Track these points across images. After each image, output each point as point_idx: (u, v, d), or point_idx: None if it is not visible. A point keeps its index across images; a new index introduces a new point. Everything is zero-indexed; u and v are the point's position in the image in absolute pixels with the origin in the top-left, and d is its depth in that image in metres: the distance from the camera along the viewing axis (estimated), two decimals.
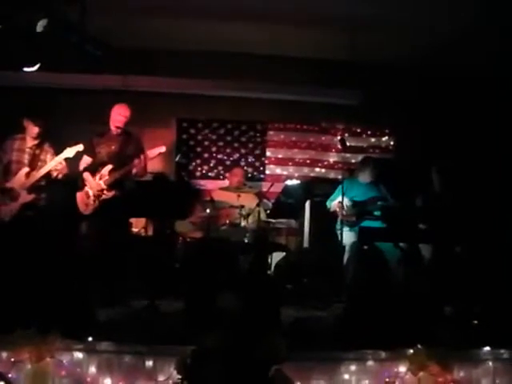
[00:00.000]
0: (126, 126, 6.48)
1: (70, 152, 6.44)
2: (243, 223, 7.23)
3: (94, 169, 6.42)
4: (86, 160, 6.49)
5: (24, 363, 4.36)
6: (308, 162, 8.97)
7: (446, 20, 6.89)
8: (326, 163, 8.99)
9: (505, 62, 7.64)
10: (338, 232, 6.92)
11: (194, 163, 8.78)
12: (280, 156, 8.92)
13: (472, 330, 5.15)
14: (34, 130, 6.47)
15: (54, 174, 6.47)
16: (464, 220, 6.39)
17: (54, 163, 6.42)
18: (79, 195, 6.38)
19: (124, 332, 4.83)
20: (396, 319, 4.91)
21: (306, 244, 8.00)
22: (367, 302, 5.26)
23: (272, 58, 8.39)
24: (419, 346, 4.57)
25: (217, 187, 8.12)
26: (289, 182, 7.96)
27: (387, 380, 4.56)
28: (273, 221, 7.46)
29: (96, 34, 6.43)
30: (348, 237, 6.89)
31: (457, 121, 8.36)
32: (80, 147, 6.44)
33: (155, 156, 6.51)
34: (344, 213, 6.90)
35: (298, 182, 8.16)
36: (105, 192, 6.27)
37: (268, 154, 8.94)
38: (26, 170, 6.40)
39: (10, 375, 4.33)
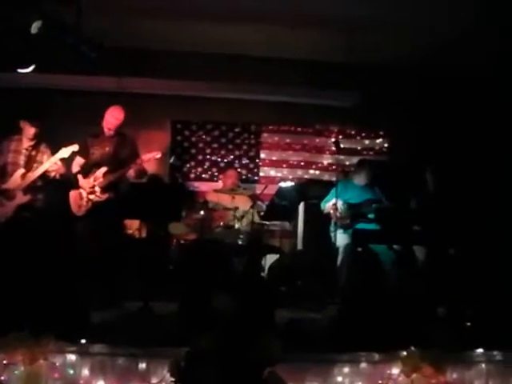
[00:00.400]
0: (121, 127, 6.48)
1: (65, 152, 6.42)
2: (237, 225, 7.22)
3: (87, 170, 6.42)
4: (79, 161, 6.49)
5: (17, 365, 4.34)
6: (302, 164, 8.96)
7: (441, 21, 6.89)
8: (320, 165, 8.98)
9: (502, 62, 7.65)
10: (332, 234, 6.92)
11: (188, 165, 8.77)
12: (274, 158, 8.92)
13: (465, 332, 5.16)
14: (30, 131, 6.46)
15: (51, 174, 6.46)
16: (458, 222, 6.41)
17: (49, 164, 6.41)
18: (72, 196, 6.37)
19: (117, 334, 4.82)
20: (389, 321, 4.91)
21: (299, 246, 8.01)
22: (361, 304, 5.27)
23: (267, 60, 8.39)
24: (412, 348, 4.58)
25: (211, 189, 8.13)
26: (283, 184, 7.97)
27: (380, 382, 4.56)
28: (267, 223, 7.47)
29: (91, 35, 6.43)
30: (342, 239, 6.89)
31: (451, 122, 8.37)
32: (75, 147, 6.43)
33: (150, 160, 6.51)
34: (338, 215, 6.90)
35: (292, 184, 8.17)
36: (98, 194, 6.27)
37: (262, 155, 8.93)
38: (21, 171, 6.39)
39: (2, 378, 4.31)
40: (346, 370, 4.59)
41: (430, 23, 6.97)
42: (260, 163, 8.93)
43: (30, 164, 6.46)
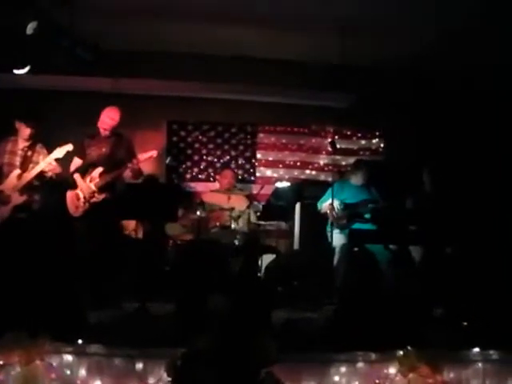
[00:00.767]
0: (117, 128, 6.49)
1: (59, 152, 6.41)
2: (233, 225, 7.22)
3: (84, 170, 6.42)
4: (77, 162, 6.50)
5: (13, 366, 4.34)
6: (298, 164, 8.97)
7: (436, 23, 6.90)
8: (316, 165, 8.99)
9: (496, 63, 7.66)
10: (329, 234, 6.92)
11: (184, 165, 8.76)
12: (270, 158, 8.92)
13: (462, 332, 5.17)
14: (25, 131, 6.46)
15: (48, 174, 6.46)
16: (454, 222, 6.42)
17: (44, 164, 6.41)
18: (69, 197, 6.37)
19: (114, 334, 4.81)
20: (386, 321, 4.92)
21: (296, 246, 8.00)
22: (357, 303, 5.27)
23: (263, 61, 8.39)
24: (409, 348, 4.58)
25: (207, 189, 8.15)
26: (279, 185, 7.97)
27: (377, 382, 4.56)
28: (263, 223, 7.47)
29: (86, 36, 6.43)
30: (338, 239, 6.90)
31: (447, 123, 8.39)
32: (70, 147, 6.42)
33: (146, 160, 6.50)
34: (335, 215, 6.91)
35: (289, 184, 8.15)
36: (95, 195, 6.27)
37: (258, 156, 8.93)
38: (17, 172, 6.40)
39: None
40: (343, 369, 4.58)
41: (425, 24, 6.98)
42: (256, 163, 8.93)
43: (25, 164, 6.46)
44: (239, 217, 7.27)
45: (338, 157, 8.74)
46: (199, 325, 4.60)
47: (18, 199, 6.36)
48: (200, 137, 8.82)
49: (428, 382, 4.50)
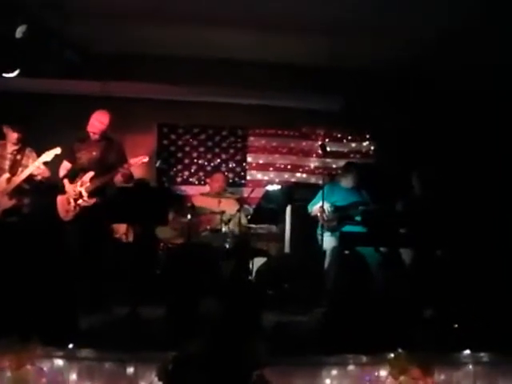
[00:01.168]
0: (107, 131, 6.47)
1: (48, 156, 6.39)
2: (224, 229, 7.21)
3: (74, 174, 6.40)
4: (66, 165, 6.48)
5: (4, 371, 4.33)
6: (289, 167, 8.97)
7: (427, 25, 6.91)
8: (306, 168, 8.99)
9: (489, 65, 7.68)
10: (319, 237, 6.92)
11: (174, 169, 8.75)
12: (261, 161, 8.93)
13: (452, 334, 5.18)
14: (13, 135, 6.46)
15: (37, 178, 6.44)
16: (444, 224, 6.43)
17: (33, 168, 6.39)
18: (60, 201, 6.35)
19: (105, 339, 4.81)
20: (377, 323, 4.93)
21: (287, 249, 8.02)
22: (348, 306, 5.29)
23: (253, 64, 8.38)
24: (400, 350, 4.59)
25: (198, 193, 8.13)
26: (270, 188, 7.96)
27: None
28: (254, 226, 7.47)
29: (75, 40, 6.42)
30: (329, 242, 6.90)
31: (438, 125, 8.40)
32: (58, 150, 6.40)
33: (136, 164, 6.50)
34: (325, 217, 6.91)
35: (279, 187, 8.15)
36: (85, 199, 6.24)
37: (249, 159, 8.93)
38: (6, 175, 6.38)
39: None
40: (334, 372, 4.60)
41: (415, 27, 6.99)
42: (247, 167, 8.93)
43: (15, 168, 6.45)
44: (230, 220, 7.26)
45: (328, 160, 8.72)
46: (190, 328, 4.60)
47: (7, 203, 6.35)
48: (190, 140, 8.81)
49: None
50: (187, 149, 8.81)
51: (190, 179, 8.77)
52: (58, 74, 7.17)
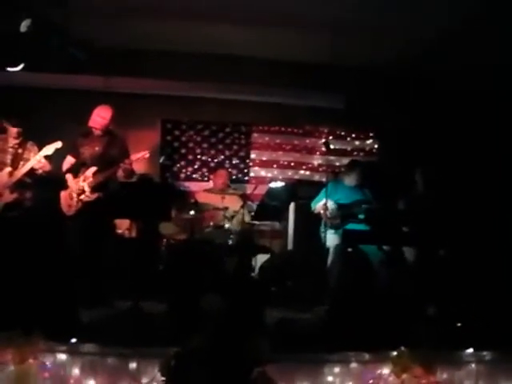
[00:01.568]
0: (110, 126, 6.47)
1: (48, 149, 6.38)
2: (227, 225, 7.21)
3: (77, 169, 6.40)
4: (70, 160, 6.48)
5: (7, 365, 4.33)
6: (292, 164, 8.97)
7: (430, 23, 6.90)
8: (310, 166, 9.00)
9: (488, 65, 7.68)
10: (322, 234, 6.92)
11: (178, 165, 8.76)
12: (264, 158, 8.92)
13: (455, 332, 5.18)
14: (12, 130, 6.44)
15: (38, 172, 6.44)
16: (447, 222, 6.43)
17: (34, 161, 6.38)
18: (63, 196, 6.35)
19: (108, 334, 4.81)
20: (380, 321, 4.93)
21: (290, 246, 8.00)
22: (351, 304, 5.28)
23: (257, 61, 8.38)
24: (402, 348, 4.59)
25: (201, 189, 8.12)
26: (273, 185, 7.96)
27: (371, 382, 4.58)
28: (257, 223, 7.48)
29: (79, 35, 6.41)
30: (332, 239, 6.90)
31: (441, 124, 8.40)
32: (58, 144, 6.40)
33: (138, 160, 6.49)
34: (328, 215, 6.90)
35: (282, 184, 8.14)
36: (88, 194, 6.24)
37: (252, 156, 8.93)
38: (8, 169, 6.37)
39: None
40: (337, 369, 4.61)
41: (418, 25, 6.98)
42: (250, 163, 8.93)
43: (16, 162, 6.44)
44: (233, 217, 7.27)
45: (331, 157, 8.74)
46: (193, 324, 4.60)
47: (8, 197, 6.33)
48: (194, 136, 8.81)
49: (421, 383, 4.52)
50: (191, 145, 8.81)
51: (194, 175, 8.77)
52: (62, 69, 7.15)
